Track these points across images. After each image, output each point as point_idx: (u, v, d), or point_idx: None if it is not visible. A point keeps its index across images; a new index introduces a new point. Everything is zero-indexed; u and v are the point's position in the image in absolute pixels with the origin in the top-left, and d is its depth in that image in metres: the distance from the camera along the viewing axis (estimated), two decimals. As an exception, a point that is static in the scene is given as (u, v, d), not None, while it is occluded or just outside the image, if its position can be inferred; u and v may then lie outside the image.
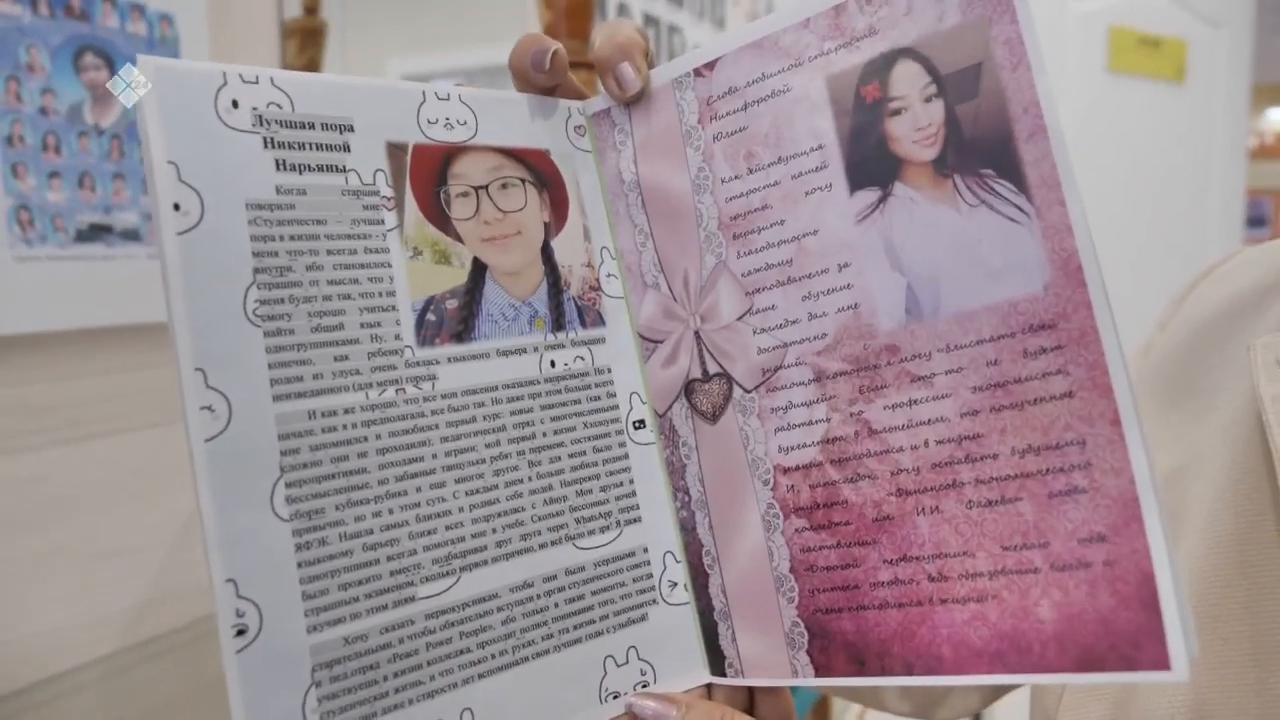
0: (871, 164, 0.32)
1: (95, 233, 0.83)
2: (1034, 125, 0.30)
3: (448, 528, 0.33)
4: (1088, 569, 0.29)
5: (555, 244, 0.36)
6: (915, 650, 0.32)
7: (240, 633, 0.29)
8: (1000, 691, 0.55)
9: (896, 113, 0.32)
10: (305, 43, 1.01)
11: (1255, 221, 4.36)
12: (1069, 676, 0.29)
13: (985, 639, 0.30)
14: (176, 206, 0.29)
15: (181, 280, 0.29)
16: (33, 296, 0.80)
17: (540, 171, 0.36)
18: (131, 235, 0.87)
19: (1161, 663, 0.27)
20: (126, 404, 0.92)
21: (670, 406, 0.37)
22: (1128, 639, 0.28)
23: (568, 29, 1.01)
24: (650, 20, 1.66)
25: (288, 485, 0.30)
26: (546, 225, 0.36)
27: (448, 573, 0.33)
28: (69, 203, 0.81)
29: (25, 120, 0.78)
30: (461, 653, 0.33)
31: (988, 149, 0.30)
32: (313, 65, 1.04)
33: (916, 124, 0.32)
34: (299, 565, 0.30)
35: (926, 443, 0.31)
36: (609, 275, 0.37)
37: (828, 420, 0.33)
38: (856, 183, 0.33)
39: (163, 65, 0.30)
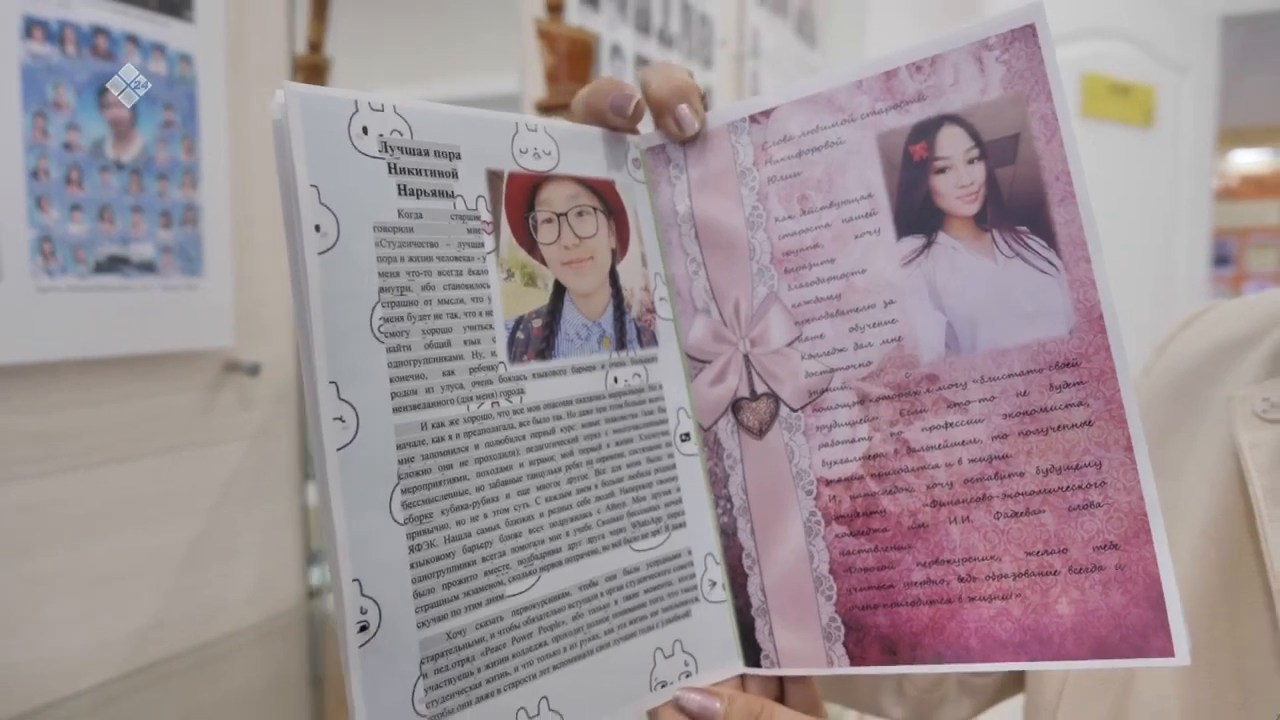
0: (917, 214, 0.37)
1: (113, 264, 0.84)
2: (1065, 191, 0.35)
3: (530, 531, 0.35)
4: (1102, 572, 0.34)
5: (620, 268, 0.39)
6: (945, 641, 0.36)
7: (363, 629, 0.31)
8: (989, 702, 0.60)
9: (941, 171, 0.36)
10: (309, 78, 1.01)
11: (1221, 260, 4.67)
12: (1086, 664, 0.34)
13: (1010, 631, 0.35)
14: (318, 228, 0.30)
15: (320, 299, 0.30)
16: (52, 326, 0.81)
17: (608, 200, 0.39)
18: (147, 267, 0.87)
19: (1167, 651, 0.33)
20: (136, 431, 0.92)
21: (716, 421, 0.40)
22: (1138, 631, 0.33)
23: (568, 73, 1.04)
24: (642, 61, 1.69)
25: (403, 492, 0.32)
26: (613, 251, 0.39)
27: (530, 572, 0.35)
28: (89, 235, 0.82)
29: (50, 155, 0.79)
30: (539, 646, 0.35)
31: (1023, 209, 0.35)
32: None
33: (960, 182, 0.36)
34: (411, 566, 0.32)
35: (960, 461, 0.36)
36: (661, 299, 0.40)
37: (869, 439, 0.38)
38: (903, 230, 0.37)
39: (305, 92, 0.31)
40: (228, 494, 1.02)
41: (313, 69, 1.12)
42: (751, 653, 0.40)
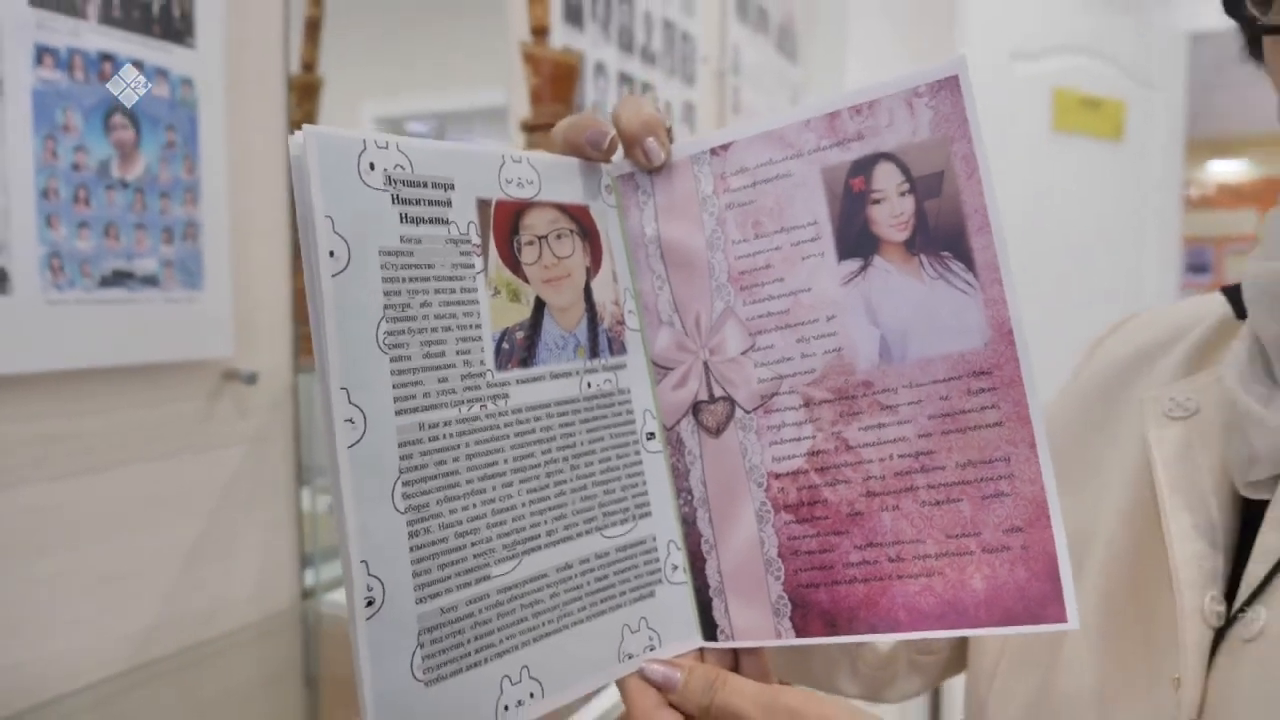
0: (856, 240, 0.42)
1: (118, 278, 0.90)
2: (982, 222, 0.40)
3: (514, 519, 0.40)
4: (1009, 551, 0.39)
5: (594, 285, 0.44)
6: (878, 614, 0.41)
7: (370, 604, 0.35)
8: (936, 678, 0.65)
9: (877, 202, 0.42)
10: (303, 97, 1.06)
11: (1198, 268, 4.69)
12: (995, 630, 0.39)
13: (932, 604, 0.40)
14: (331, 254, 0.35)
15: (334, 316, 0.35)
16: (61, 337, 0.86)
17: (583, 224, 0.44)
18: (150, 281, 0.93)
19: (1061, 618, 0.38)
20: (138, 437, 0.97)
21: (679, 422, 0.45)
22: (1038, 602, 0.38)
23: (552, 94, 1.09)
24: (625, 78, 1.74)
25: (404, 485, 0.37)
26: (587, 269, 0.44)
27: (513, 556, 0.40)
28: (95, 251, 0.87)
29: (59, 175, 0.84)
30: (521, 621, 0.40)
31: (946, 237, 0.40)
32: (310, 117, 1.11)
33: (892, 212, 0.41)
34: (410, 550, 0.37)
35: (891, 456, 0.41)
36: (630, 311, 0.45)
37: (813, 437, 0.43)
38: (843, 253, 0.42)
39: (321, 133, 0.36)
40: (225, 498, 1.06)
41: (306, 88, 1.17)
42: (709, 628, 0.45)
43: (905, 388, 0.41)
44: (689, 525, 0.45)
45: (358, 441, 0.35)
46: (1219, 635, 0.44)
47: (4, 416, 0.83)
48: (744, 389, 0.44)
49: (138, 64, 0.90)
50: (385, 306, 0.37)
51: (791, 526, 0.43)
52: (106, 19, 0.87)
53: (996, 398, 0.40)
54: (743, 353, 0.44)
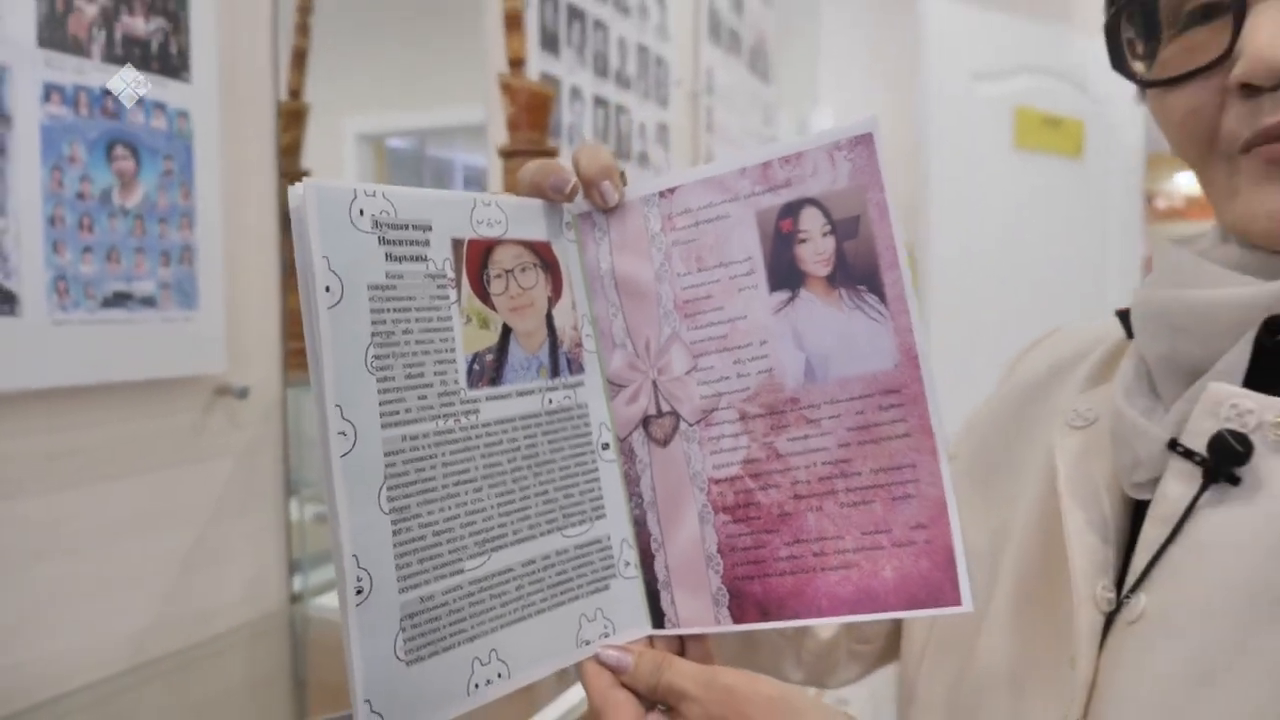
0: (785, 274, 0.48)
1: (119, 299, 0.96)
2: (892, 260, 0.46)
3: (484, 520, 0.46)
4: (915, 545, 0.45)
5: (555, 312, 0.50)
6: (804, 602, 0.47)
7: (359, 592, 0.41)
8: (873, 666, 0.70)
9: (803, 241, 0.48)
10: (290, 123, 1.12)
11: None
12: (903, 613, 0.45)
13: (850, 593, 0.46)
14: (328, 289, 0.41)
15: (329, 342, 0.41)
16: (66, 355, 0.92)
17: (545, 258, 0.50)
18: (148, 302, 0.99)
19: (958, 602, 0.44)
20: (136, 449, 1.02)
21: (631, 434, 0.51)
22: (938, 588, 0.44)
23: (528, 122, 1.15)
24: (600, 102, 1.79)
25: (388, 489, 0.42)
26: (549, 298, 0.50)
27: (483, 552, 0.45)
28: (98, 274, 0.93)
29: (65, 204, 0.90)
30: (490, 609, 0.45)
31: (862, 273, 0.47)
32: (296, 141, 1.16)
33: (816, 251, 0.47)
34: (394, 546, 0.42)
35: (815, 464, 0.47)
36: (587, 335, 0.51)
37: (748, 447, 0.49)
38: (774, 286, 0.48)
39: (319, 187, 0.41)
40: (218, 507, 1.11)
41: (293, 114, 1.23)
42: (658, 617, 0.50)
43: (827, 404, 0.47)
44: (640, 525, 0.51)
45: (349, 451, 0.41)
46: (1110, 620, 0.49)
47: (13, 431, 0.88)
48: (688, 404, 0.50)
49: (138, 100, 0.96)
50: (373, 334, 0.42)
51: (729, 526, 0.49)
52: (109, 57, 0.93)
53: (904, 412, 0.46)
54: (687, 373, 0.50)
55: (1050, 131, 2.80)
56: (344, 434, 0.41)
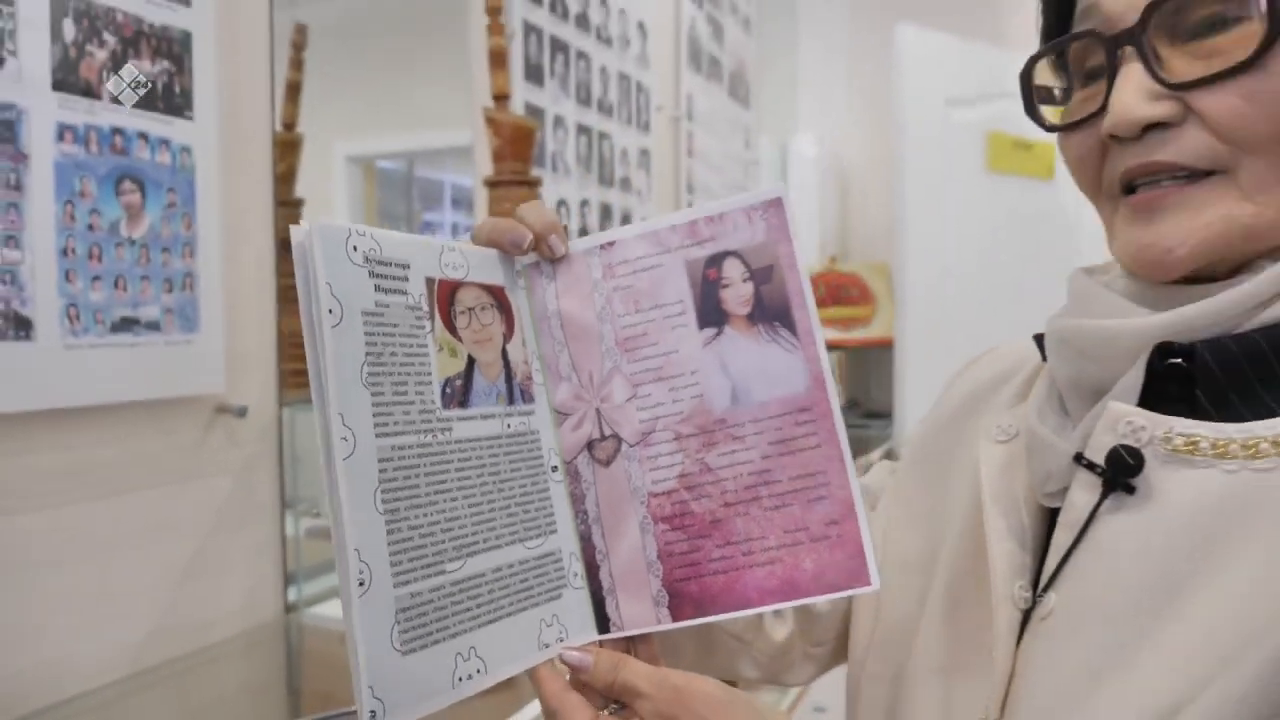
0: (712, 314, 0.55)
1: (126, 324, 1.03)
2: (800, 300, 0.53)
3: (459, 527, 0.50)
4: (829, 540, 0.52)
5: (509, 348, 0.56)
6: (735, 597, 0.54)
7: (361, 584, 0.44)
8: (826, 666, 0.75)
9: (726, 287, 0.55)
10: (284, 153, 1.19)
11: None
12: (823, 598, 0.52)
13: (775, 585, 0.53)
14: (330, 311, 0.47)
15: (332, 358, 0.46)
16: (77, 377, 0.99)
17: (500, 300, 0.56)
18: (153, 326, 1.06)
19: (867, 583, 0.51)
20: (141, 466, 1.08)
21: (576, 456, 0.58)
22: (851, 573, 0.52)
23: (511, 153, 1.23)
24: (583, 129, 1.86)
25: (382, 491, 0.47)
26: (504, 335, 0.56)
27: (460, 556, 0.49)
28: (106, 300, 1.00)
29: (77, 236, 0.98)
30: (468, 610, 0.49)
31: (776, 312, 0.54)
32: (291, 170, 1.23)
33: (738, 295, 0.55)
34: (388, 543, 0.46)
35: (741, 475, 0.54)
36: (536, 369, 0.58)
37: (682, 463, 0.56)
38: (703, 324, 0.55)
39: (321, 226, 0.47)
40: (217, 521, 1.17)
41: (288, 145, 1.30)
42: (603, 623, 0.56)
43: (750, 422, 0.54)
44: (585, 540, 0.57)
45: (350, 455, 0.46)
46: (1027, 618, 0.53)
47: (28, 448, 0.94)
48: (628, 428, 0.57)
49: (143, 135, 1.03)
50: (366, 353, 0.48)
51: (667, 534, 0.56)
52: (118, 98, 1.00)
53: (815, 427, 0.53)
54: (627, 400, 0.57)
55: (1022, 155, 2.87)
56: (345, 439, 0.46)
